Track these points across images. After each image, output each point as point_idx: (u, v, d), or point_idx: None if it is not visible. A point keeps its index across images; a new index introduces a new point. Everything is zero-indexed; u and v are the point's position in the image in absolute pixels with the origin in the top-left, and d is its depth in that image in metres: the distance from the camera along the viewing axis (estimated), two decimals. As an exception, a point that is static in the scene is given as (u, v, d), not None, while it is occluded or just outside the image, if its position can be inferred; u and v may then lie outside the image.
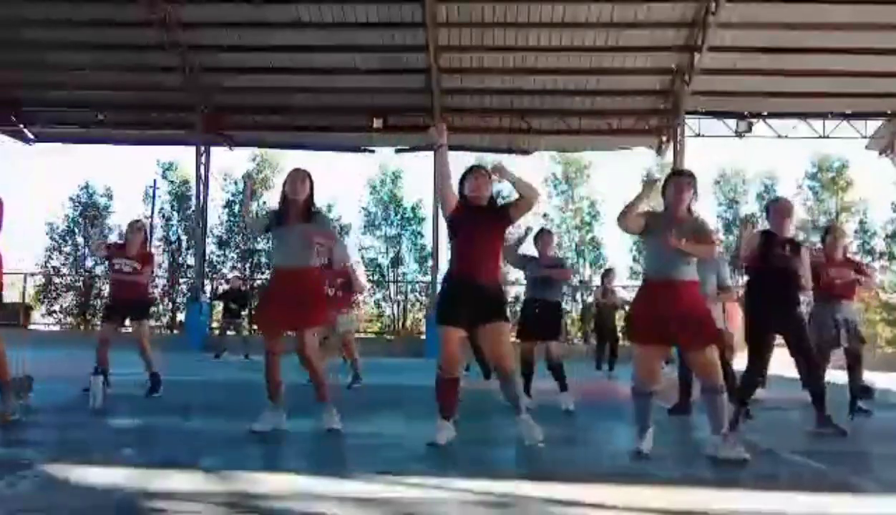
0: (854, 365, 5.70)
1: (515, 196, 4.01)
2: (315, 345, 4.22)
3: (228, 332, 14.52)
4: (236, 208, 22.52)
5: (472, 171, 4.05)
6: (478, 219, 3.88)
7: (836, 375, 6.04)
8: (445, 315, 3.84)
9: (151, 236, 20.62)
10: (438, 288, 5.03)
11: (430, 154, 16.63)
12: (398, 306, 21.18)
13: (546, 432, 3.78)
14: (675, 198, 3.76)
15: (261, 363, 4.22)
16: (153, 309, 21.29)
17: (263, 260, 22.29)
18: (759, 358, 4.79)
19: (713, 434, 3.57)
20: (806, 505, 2.71)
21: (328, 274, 7.50)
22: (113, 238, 22.26)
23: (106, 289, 21.36)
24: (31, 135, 17.89)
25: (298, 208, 4.16)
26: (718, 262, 5.72)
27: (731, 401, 4.81)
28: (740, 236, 4.68)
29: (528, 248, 6.20)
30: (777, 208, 4.94)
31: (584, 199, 22.17)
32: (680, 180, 3.82)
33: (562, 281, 6.17)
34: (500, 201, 4.21)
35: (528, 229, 6.47)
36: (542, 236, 6.19)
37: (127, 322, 6.22)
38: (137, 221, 6.53)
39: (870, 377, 7.35)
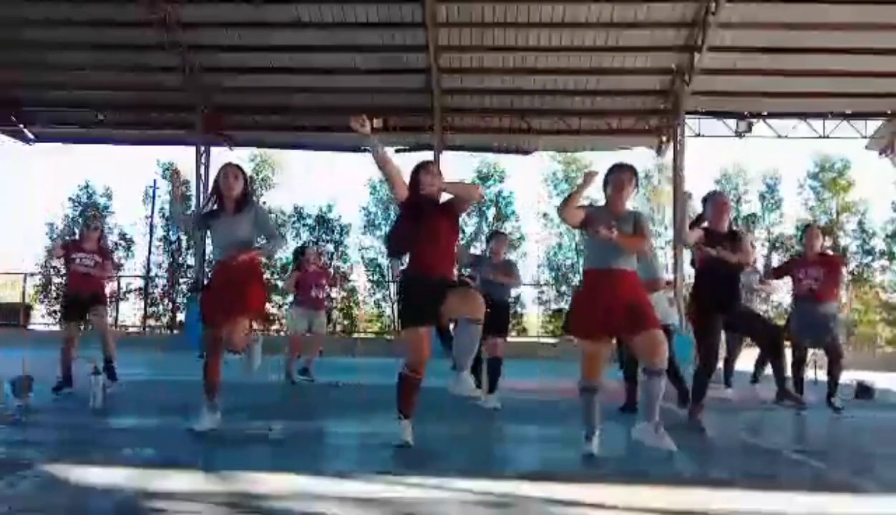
0: (833, 363, 5.72)
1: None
2: (242, 336, 4.18)
3: None
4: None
5: (425, 166, 3.99)
6: (433, 215, 3.84)
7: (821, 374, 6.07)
8: (414, 316, 3.79)
9: (151, 236, 20.63)
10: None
11: (430, 154, 16.65)
12: (398, 306, 21.22)
13: (546, 432, 3.78)
14: (614, 193, 3.78)
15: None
16: (153, 308, 21.30)
17: (263, 260, 22.26)
18: (709, 355, 4.74)
19: (645, 421, 3.53)
20: (806, 505, 2.71)
21: (314, 277, 7.71)
22: (113, 238, 22.26)
23: (106, 289, 21.38)
24: (31, 135, 17.90)
25: (232, 203, 4.20)
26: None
27: (687, 403, 4.83)
28: (681, 210, 4.56)
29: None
30: (715, 203, 4.90)
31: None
32: (621, 175, 3.80)
33: (509, 284, 6.13)
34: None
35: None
36: (496, 237, 6.35)
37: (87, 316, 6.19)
38: (94, 217, 6.59)
39: (870, 377, 7.36)
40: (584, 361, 3.69)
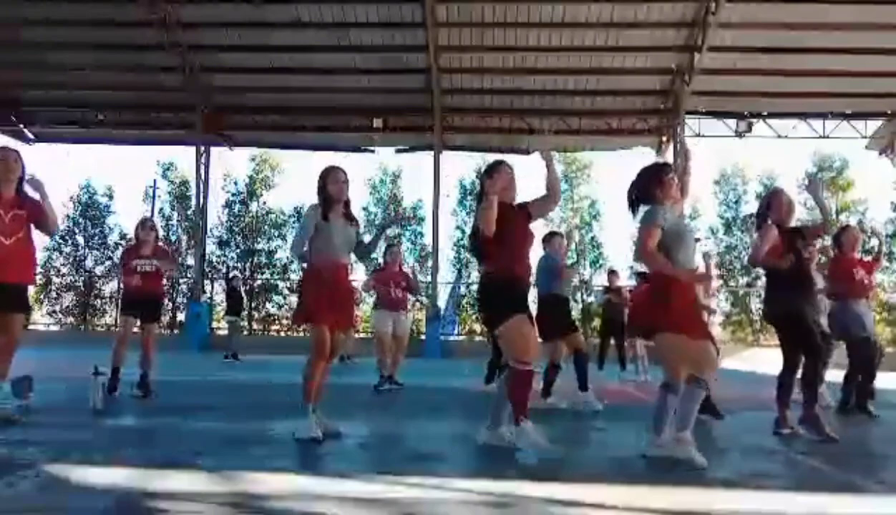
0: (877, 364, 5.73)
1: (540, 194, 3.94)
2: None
3: (218, 331, 14.59)
4: (237, 208, 22.50)
5: (501, 167, 3.88)
6: (518, 219, 3.80)
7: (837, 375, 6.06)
8: (520, 305, 3.68)
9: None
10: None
11: (430, 154, 16.65)
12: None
13: (546, 432, 3.77)
14: (672, 193, 3.69)
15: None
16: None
17: (263, 260, 22.29)
18: (816, 352, 4.50)
19: (678, 432, 3.42)
20: (806, 505, 2.71)
21: (395, 277, 7.69)
22: (113, 237, 22.29)
23: (106, 289, 21.41)
24: (31, 135, 17.92)
25: (341, 207, 4.11)
26: None
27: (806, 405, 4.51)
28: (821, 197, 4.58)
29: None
30: (789, 200, 4.72)
31: (584, 199, 22.18)
32: (673, 176, 3.73)
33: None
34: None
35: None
36: (560, 238, 6.27)
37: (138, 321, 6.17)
38: (149, 220, 6.51)
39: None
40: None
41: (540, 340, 5.44)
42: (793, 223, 4.80)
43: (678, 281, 3.50)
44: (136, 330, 6.02)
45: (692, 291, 3.59)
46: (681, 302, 3.47)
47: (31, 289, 5.02)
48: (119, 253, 20.76)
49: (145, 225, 6.22)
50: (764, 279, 4.81)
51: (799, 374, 4.57)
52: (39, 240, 4.62)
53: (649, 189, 3.67)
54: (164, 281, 6.32)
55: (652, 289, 3.64)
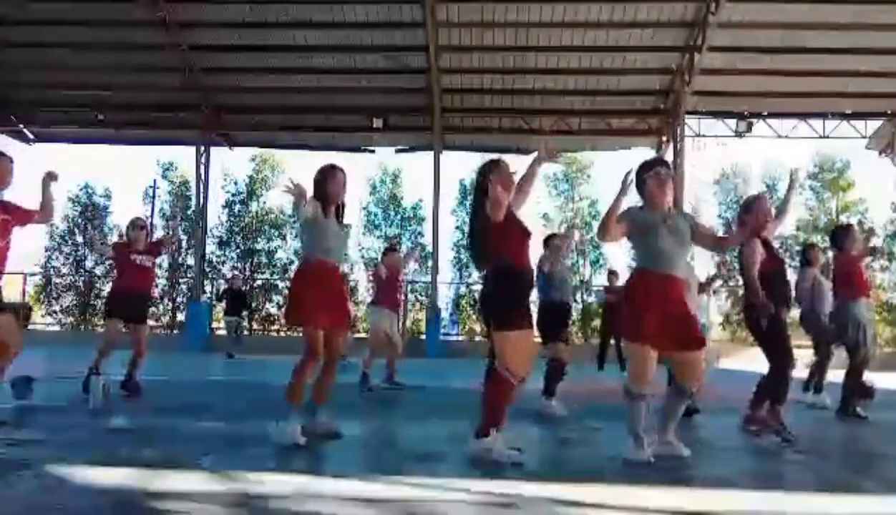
0: (866, 365, 5.73)
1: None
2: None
3: (218, 332, 14.63)
4: (237, 208, 22.49)
5: (503, 165, 3.84)
6: (516, 216, 3.78)
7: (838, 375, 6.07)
8: (525, 319, 3.59)
9: (151, 236, 20.61)
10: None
11: (431, 154, 16.63)
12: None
13: (546, 432, 3.77)
14: (658, 190, 3.67)
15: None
16: (152, 309, 21.32)
17: (263, 260, 22.29)
18: (790, 355, 4.58)
19: (661, 436, 3.56)
20: (806, 505, 2.71)
21: (397, 277, 7.66)
22: (113, 238, 22.28)
23: (106, 289, 21.38)
24: (31, 135, 17.90)
25: (335, 208, 4.10)
26: None
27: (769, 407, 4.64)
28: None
29: None
30: (768, 209, 4.82)
31: (584, 199, 22.18)
32: (661, 170, 3.73)
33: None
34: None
35: None
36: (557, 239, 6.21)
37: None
38: (139, 220, 6.55)
39: (870, 377, 7.35)
40: (638, 366, 3.52)
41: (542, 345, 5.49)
42: (778, 228, 4.89)
43: (640, 288, 3.57)
44: (124, 330, 6.05)
45: (654, 297, 3.51)
46: (636, 307, 3.52)
47: (31, 289, 5.04)
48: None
49: (135, 225, 6.32)
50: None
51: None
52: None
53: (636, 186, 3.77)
54: (156, 281, 6.35)
55: (624, 296, 3.72)
